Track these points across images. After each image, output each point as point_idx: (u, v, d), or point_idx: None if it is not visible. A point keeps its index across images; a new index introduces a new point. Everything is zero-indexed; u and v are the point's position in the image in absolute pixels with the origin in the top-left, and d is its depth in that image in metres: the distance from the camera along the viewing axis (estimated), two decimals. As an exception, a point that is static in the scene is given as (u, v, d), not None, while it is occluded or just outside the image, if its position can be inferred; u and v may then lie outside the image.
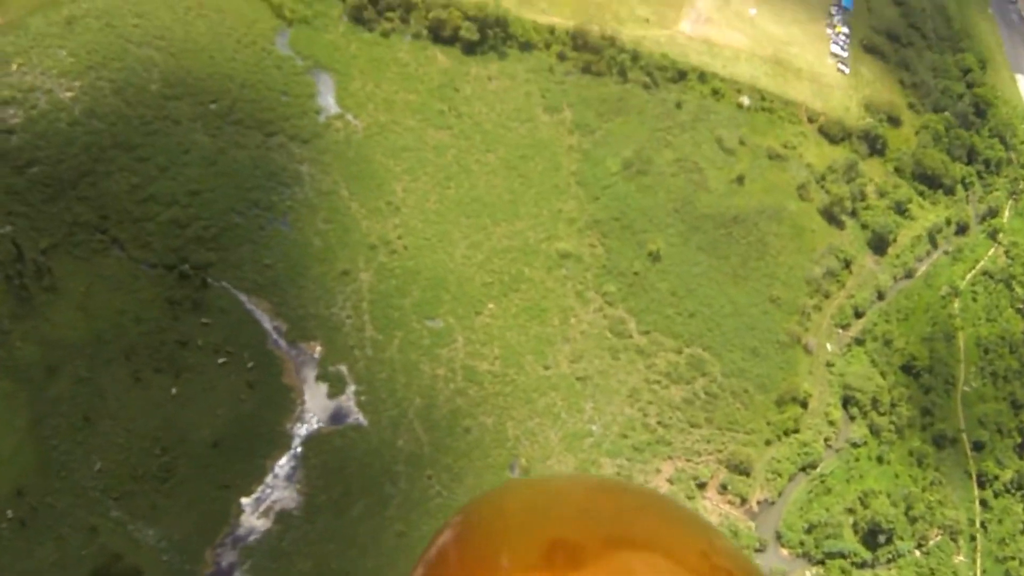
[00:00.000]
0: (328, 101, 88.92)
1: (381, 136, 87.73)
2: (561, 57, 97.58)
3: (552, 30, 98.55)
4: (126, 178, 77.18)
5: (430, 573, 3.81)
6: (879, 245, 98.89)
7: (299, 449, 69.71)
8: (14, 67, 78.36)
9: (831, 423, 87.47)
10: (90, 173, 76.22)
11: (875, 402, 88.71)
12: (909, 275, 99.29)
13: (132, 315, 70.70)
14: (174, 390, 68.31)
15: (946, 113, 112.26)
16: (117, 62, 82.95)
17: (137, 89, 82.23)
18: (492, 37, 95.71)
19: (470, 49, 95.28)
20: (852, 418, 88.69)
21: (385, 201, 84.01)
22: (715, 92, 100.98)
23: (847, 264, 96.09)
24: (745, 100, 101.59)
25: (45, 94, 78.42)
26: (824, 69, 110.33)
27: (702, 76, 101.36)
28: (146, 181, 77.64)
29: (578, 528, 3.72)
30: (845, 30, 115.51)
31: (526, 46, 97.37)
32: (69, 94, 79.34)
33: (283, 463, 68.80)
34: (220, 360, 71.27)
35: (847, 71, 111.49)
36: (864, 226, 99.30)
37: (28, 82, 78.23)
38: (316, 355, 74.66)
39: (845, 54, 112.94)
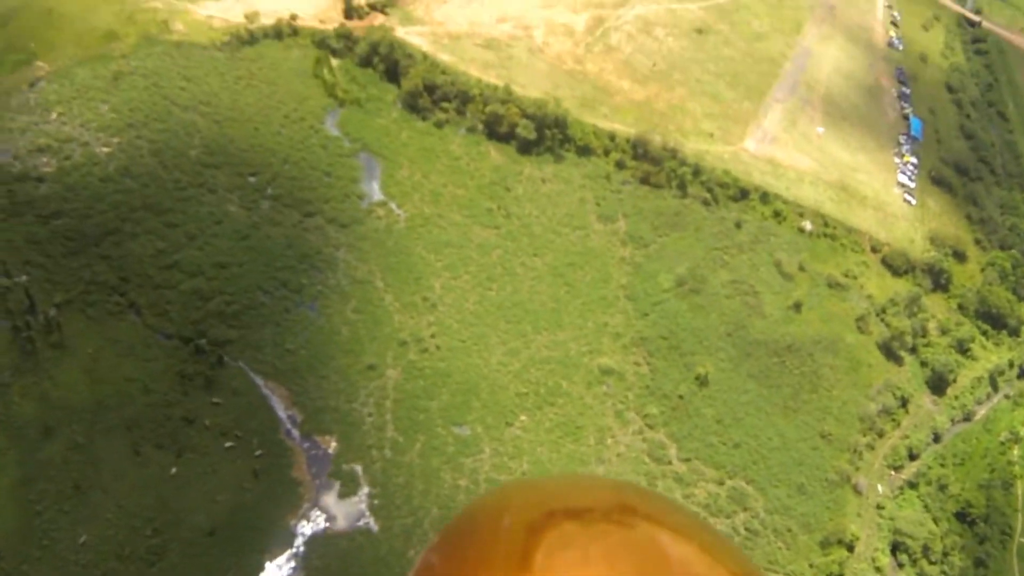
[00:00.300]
0: (372, 187, 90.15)
1: (424, 228, 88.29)
2: (620, 165, 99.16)
3: (612, 136, 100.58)
4: (152, 242, 77.73)
5: (434, 552, 3.77)
6: (938, 385, 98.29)
7: (301, 548, 66.93)
8: (54, 115, 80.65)
9: (878, 569, 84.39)
10: (116, 232, 76.94)
11: (926, 549, 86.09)
12: (967, 418, 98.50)
13: (140, 385, 69.67)
14: (174, 469, 66.42)
15: (1013, 251, 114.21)
16: (159, 123, 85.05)
17: (176, 153, 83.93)
18: (550, 138, 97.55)
19: (526, 148, 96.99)
20: (900, 565, 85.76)
21: (421, 296, 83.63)
22: (777, 214, 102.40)
23: (904, 403, 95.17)
24: (807, 225, 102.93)
25: (81, 146, 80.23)
26: (890, 198, 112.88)
27: (764, 196, 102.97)
28: (173, 247, 78.11)
29: (591, 499, 3.71)
30: (913, 160, 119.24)
31: (584, 150, 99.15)
32: (106, 149, 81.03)
33: (282, 561, 65.94)
34: (227, 444, 69.52)
35: (913, 202, 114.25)
36: (923, 364, 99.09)
37: (66, 132, 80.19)
38: (331, 451, 72.73)
39: (912, 185, 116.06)
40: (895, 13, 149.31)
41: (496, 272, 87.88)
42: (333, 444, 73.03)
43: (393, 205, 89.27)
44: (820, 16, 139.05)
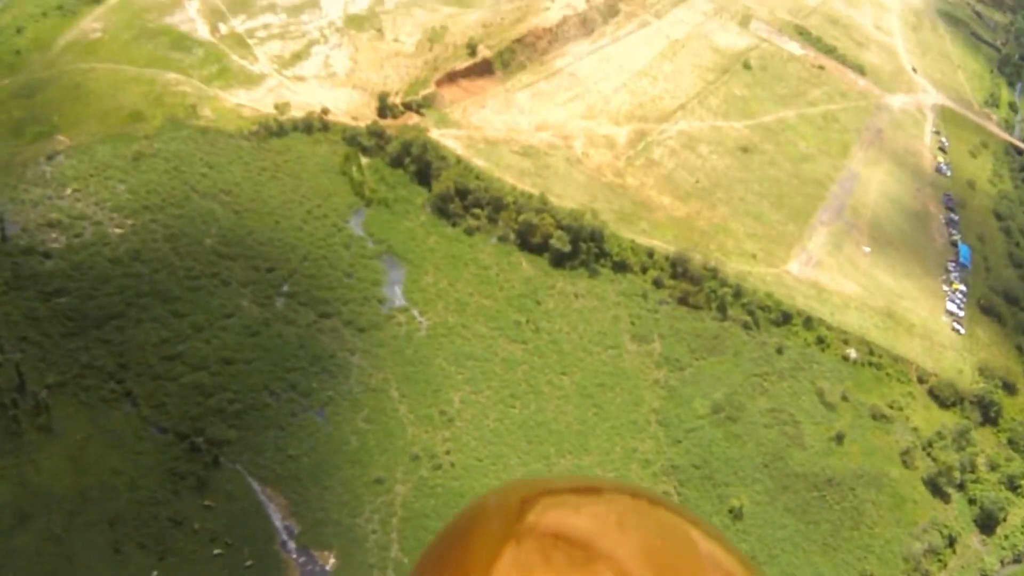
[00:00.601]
0: (395, 292, 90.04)
1: (446, 338, 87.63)
2: (657, 283, 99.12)
3: (651, 253, 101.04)
4: (156, 330, 77.46)
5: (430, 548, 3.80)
6: (987, 523, 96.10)
7: (288, 673, 64.00)
8: (68, 191, 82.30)
9: None
10: (119, 316, 76.91)
11: None
12: (1017, 559, 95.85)
13: (127, 479, 68.03)
14: (155, 573, 64.00)
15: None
16: (176, 208, 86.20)
17: (191, 240, 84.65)
18: (585, 251, 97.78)
19: (559, 261, 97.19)
20: None
21: (439, 410, 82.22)
22: (820, 340, 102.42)
23: (951, 542, 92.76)
24: (852, 353, 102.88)
25: (93, 225, 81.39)
26: (938, 327, 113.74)
27: (808, 321, 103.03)
28: (177, 338, 77.70)
29: (602, 483, 3.69)
30: (962, 288, 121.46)
31: (620, 266, 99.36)
32: (118, 230, 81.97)
33: None
34: (215, 551, 67.17)
35: (962, 331, 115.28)
36: (972, 501, 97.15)
37: (79, 209, 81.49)
38: (328, 568, 70.15)
39: (961, 313, 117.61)
40: (943, 139, 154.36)
41: (520, 389, 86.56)
42: (331, 561, 70.50)
43: (415, 312, 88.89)
44: (867, 139, 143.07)
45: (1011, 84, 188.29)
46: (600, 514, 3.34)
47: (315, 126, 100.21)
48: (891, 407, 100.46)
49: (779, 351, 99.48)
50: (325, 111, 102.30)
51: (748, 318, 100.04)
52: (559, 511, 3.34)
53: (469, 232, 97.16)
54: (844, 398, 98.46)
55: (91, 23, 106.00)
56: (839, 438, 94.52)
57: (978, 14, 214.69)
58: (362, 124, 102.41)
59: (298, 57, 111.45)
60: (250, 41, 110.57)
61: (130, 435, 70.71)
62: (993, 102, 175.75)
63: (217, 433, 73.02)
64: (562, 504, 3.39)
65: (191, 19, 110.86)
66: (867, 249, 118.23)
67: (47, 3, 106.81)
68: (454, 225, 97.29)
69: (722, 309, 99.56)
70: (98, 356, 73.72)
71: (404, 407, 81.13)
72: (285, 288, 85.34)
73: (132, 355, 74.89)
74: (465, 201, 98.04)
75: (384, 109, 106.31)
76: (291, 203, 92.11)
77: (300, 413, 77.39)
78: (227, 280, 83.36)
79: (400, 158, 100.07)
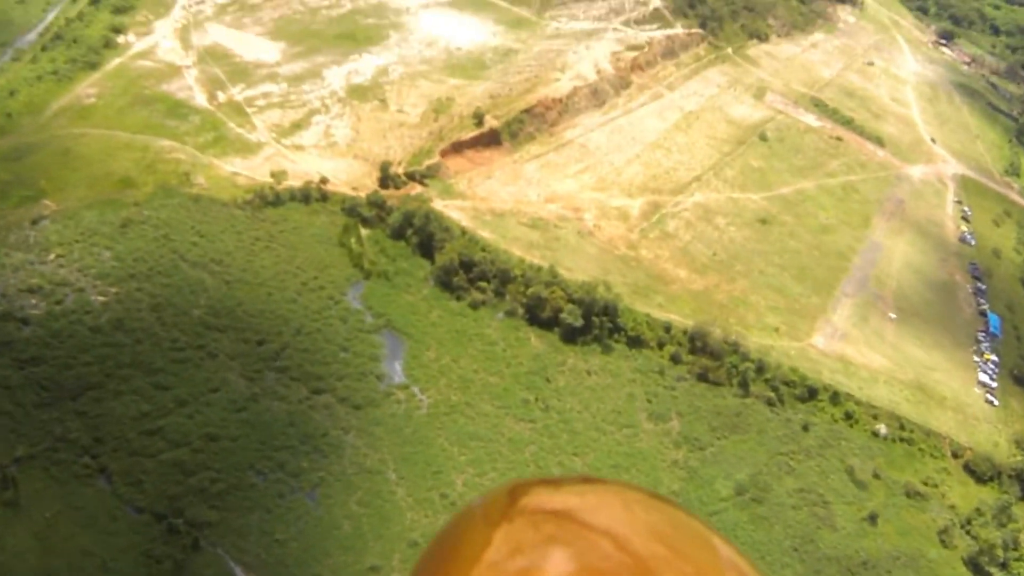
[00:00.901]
0: (394, 368, 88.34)
1: (449, 417, 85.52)
2: (675, 359, 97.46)
3: (668, 327, 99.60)
4: (136, 403, 76.02)
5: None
6: None
7: None
8: (52, 256, 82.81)
9: None
10: (97, 387, 75.72)
11: None
12: None
13: (98, 561, 65.73)
14: (123, 664, 61.24)
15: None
16: (163, 277, 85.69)
17: (177, 310, 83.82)
18: (598, 326, 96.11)
19: (570, 336, 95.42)
20: None
21: (439, 493, 79.74)
22: (848, 416, 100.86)
23: None
24: (882, 428, 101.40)
25: (75, 292, 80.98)
26: (970, 399, 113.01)
27: (835, 396, 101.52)
28: (158, 412, 76.15)
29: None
30: (994, 358, 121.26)
31: (635, 341, 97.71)
32: (101, 298, 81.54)
33: None
34: (191, 642, 64.54)
35: (996, 403, 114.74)
36: None
37: (61, 275, 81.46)
38: (314, 662, 67.32)
39: (994, 384, 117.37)
40: (965, 208, 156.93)
41: (528, 471, 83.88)
42: (319, 655, 67.67)
43: (415, 389, 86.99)
44: (889, 210, 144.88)
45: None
46: (605, 498, 3.23)
47: (313, 196, 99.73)
48: (926, 484, 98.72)
49: (805, 428, 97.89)
50: (324, 181, 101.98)
51: (772, 394, 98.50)
52: (556, 495, 3.26)
53: (474, 306, 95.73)
54: (876, 476, 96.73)
55: (86, 88, 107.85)
56: (872, 518, 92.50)
57: (993, 85, 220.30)
58: (362, 194, 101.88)
59: (298, 126, 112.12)
60: (249, 110, 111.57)
61: (103, 514, 68.76)
62: (1013, 171, 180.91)
63: (198, 514, 70.90)
64: (560, 490, 3.30)
65: (189, 87, 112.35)
66: (893, 315, 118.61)
67: (42, 67, 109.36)
68: (458, 299, 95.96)
69: (744, 385, 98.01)
70: (72, 429, 72.24)
71: (402, 490, 78.74)
72: (276, 362, 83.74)
73: (109, 429, 73.37)
74: (470, 274, 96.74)
75: (386, 179, 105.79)
76: (285, 274, 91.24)
77: (288, 495, 75.19)
78: (214, 352, 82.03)
79: (402, 229, 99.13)
